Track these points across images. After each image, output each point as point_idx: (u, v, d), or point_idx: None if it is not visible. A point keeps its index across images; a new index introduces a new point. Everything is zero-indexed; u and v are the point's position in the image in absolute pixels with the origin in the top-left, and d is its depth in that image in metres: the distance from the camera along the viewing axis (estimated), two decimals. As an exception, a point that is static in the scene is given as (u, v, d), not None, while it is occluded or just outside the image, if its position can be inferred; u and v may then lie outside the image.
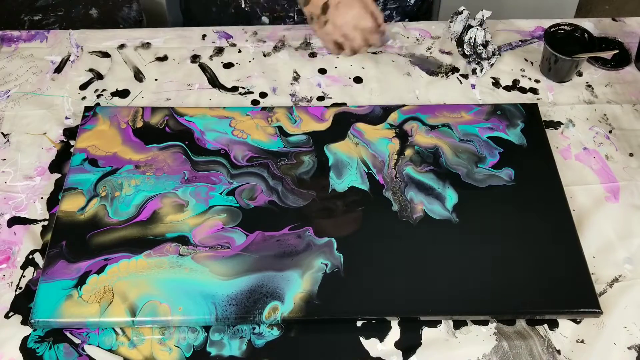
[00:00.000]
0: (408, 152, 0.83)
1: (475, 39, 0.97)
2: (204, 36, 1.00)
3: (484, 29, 0.97)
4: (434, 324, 0.71)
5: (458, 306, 0.70)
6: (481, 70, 0.95)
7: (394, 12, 1.08)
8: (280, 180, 0.80)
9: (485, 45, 0.96)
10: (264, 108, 0.89)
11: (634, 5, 2.11)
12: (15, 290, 0.72)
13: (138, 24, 1.42)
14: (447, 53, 0.99)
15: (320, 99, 0.92)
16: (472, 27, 0.98)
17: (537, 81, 0.96)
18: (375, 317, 0.70)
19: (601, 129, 0.89)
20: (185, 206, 0.77)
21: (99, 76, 0.95)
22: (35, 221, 0.78)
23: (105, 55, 0.98)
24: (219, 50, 0.98)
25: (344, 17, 0.88)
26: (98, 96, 0.92)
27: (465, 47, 0.97)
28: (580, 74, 0.97)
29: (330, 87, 0.94)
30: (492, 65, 0.96)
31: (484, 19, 0.98)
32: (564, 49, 0.91)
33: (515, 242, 0.75)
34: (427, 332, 0.70)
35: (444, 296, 0.71)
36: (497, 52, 0.97)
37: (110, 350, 0.68)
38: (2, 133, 0.87)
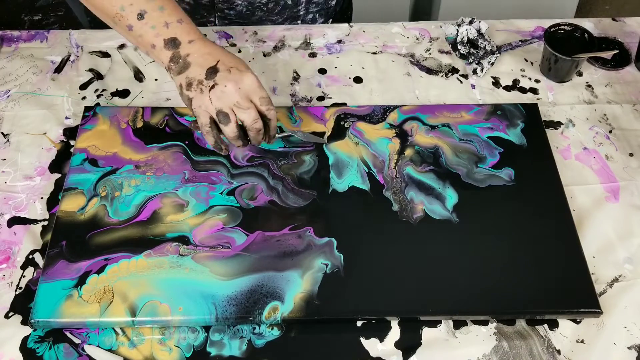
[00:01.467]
0: (408, 151, 0.83)
1: (467, 36, 0.97)
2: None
3: (474, 27, 0.97)
4: (434, 324, 0.71)
5: (458, 306, 0.70)
6: (482, 69, 0.95)
7: (317, 15, 1.07)
8: (281, 179, 0.80)
9: (476, 40, 0.96)
10: (264, 108, 0.89)
11: (634, 5, 2.11)
12: (15, 290, 0.72)
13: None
14: (446, 53, 0.99)
15: (320, 99, 0.92)
16: (461, 25, 0.98)
17: (537, 81, 0.96)
18: (375, 317, 0.70)
19: (601, 129, 0.89)
20: (186, 206, 0.77)
21: (99, 76, 0.95)
22: (35, 221, 0.78)
23: (105, 55, 0.98)
24: (219, 50, 0.98)
25: (239, 83, 0.72)
26: (98, 96, 0.92)
27: (460, 47, 0.97)
28: (580, 74, 0.97)
29: (330, 87, 0.94)
30: (492, 64, 0.96)
31: (475, 18, 0.98)
32: (564, 49, 0.91)
33: (515, 242, 0.75)
34: (427, 332, 0.70)
35: (444, 296, 0.71)
36: (496, 50, 0.97)
37: (110, 350, 0.68)
38: (2, 133, 0.87)
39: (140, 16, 0.73)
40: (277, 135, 0.81)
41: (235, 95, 0.72)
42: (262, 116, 0.75)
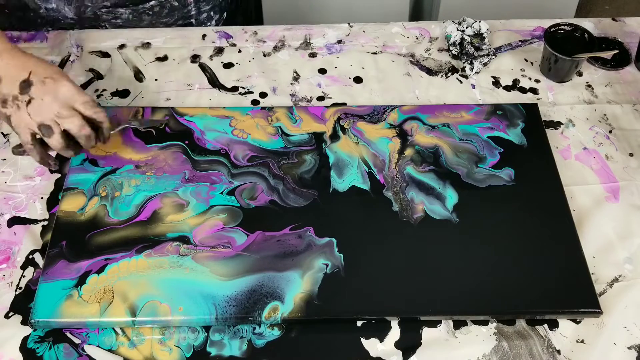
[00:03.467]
0: (408, 151, 0.83)
1: (461, 37, 0.97)
2: (204, 36, 1.00)
3: (460, 31, 0.97)
4: (434, 324, 0.71)
5: (458, 306, 0.70)
6: (472, 69, 0.95)
7: (212, 12, 1.06)
8: (281, 179, 0.80)
9: (462, 43, 0.96)
10: (263, 108, 0.89)
11: (634, 5, 2.11)
12: (15, 290, 0.72)
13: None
14: (447, 51, 0.99)
15: (320, 99, 0.92)
16: (453, 27, 0.99)
17: (537, 81, 0.96)
18: (375, 317, 0.70)
19: (601, 129, 0.89)
20: (186, 206, 0.77)
21: (99, 76, 0.95)
22: (35, 221, 0.78)
23: (105, 55, 0.98)
24: (219, 50, 0.98)
25: (56, 93, 0.70)
26: (98, 96, 0.92)
27: (451, 49, 0.97)
28: (580, 74, 0.97)
29: (330, 87, 0.94)
30: (484, 64, 0.96)
31: (464, 19, 0.98)
32: (564, 49, 0.91)
33: (515, 242, 0.75)
34: (427, 332, 0.70)
35: (444, 296, 0.71)
36: (492, 53, 0.97)
37: (110, 350, 0.68)
38: (2, 133, 0.87)
39: None
40: (112, 131, 0.78)
41: (54, 106, 0.69)
42: (91, 120, 0.73)
